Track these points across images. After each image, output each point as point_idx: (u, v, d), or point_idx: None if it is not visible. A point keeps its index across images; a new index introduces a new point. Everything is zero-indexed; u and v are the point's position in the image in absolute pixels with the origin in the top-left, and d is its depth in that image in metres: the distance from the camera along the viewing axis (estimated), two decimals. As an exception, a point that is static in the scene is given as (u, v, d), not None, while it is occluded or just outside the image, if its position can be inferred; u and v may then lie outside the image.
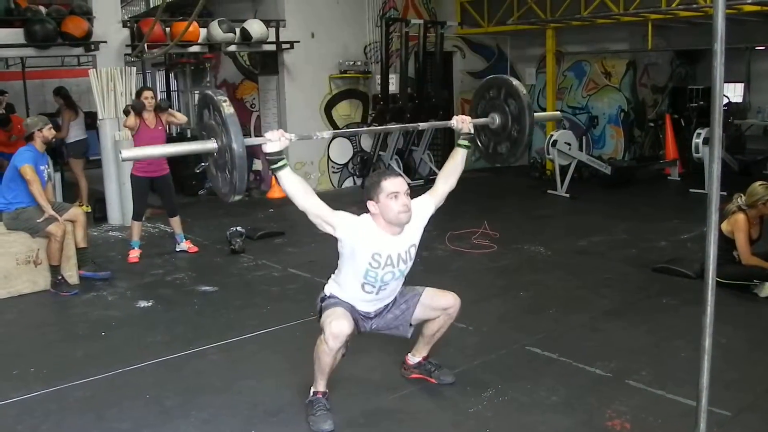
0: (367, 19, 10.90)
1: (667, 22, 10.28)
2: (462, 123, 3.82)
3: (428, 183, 11.03)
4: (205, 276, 6.26)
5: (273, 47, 9.58)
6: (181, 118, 7.00)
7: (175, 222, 7.02)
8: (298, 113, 10.27)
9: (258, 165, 11.00)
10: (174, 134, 9.76)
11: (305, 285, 5.98)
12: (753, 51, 10.50)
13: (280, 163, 3.28)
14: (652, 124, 12.23)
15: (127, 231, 7.91)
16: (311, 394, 3.60)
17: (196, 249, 7.10)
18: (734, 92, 13.18)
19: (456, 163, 3.84)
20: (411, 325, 3.77)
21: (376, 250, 3.42)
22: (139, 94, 6.75)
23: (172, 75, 12.03)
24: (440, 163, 11.69)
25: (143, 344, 4.68)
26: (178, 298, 5.70)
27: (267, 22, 9.31)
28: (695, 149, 9.70)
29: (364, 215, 3.48)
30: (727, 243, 5.55)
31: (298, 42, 9.69)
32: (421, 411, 3.69)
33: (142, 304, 5.52)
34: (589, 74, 12.28)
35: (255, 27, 9.03)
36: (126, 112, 6.71)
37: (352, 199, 10.11)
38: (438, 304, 3.74)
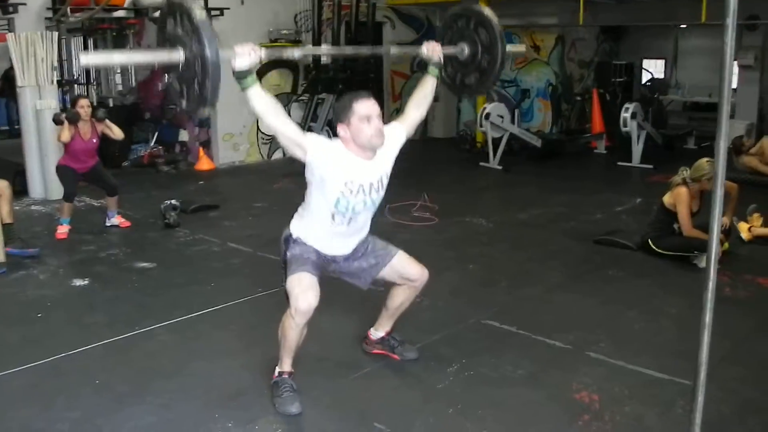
0: (298, -14, 10.62)
1: (595, -2, 10.43)
2: (432, 51, 3.68)
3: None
4: (142, 252, 5.97)
5: (202, 13, 9.15)
6: (117, 133, 6.51)
7: (113, 201, 6.66)
8: (227, 83, 9.85)
9: (184, 136, 10.63)
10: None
11: (248, 260, 5.80)
12: (679, 29, 10.77)
13: (248, 80, 3.02)
14: (579, 98, 12.46)
15: (50, 205, 7.53)
16: (276, 374, 3.47)
17: (128, 224, 6.77)
18: (655, 68, 13.58)
19: (426, 91, 3.71)
20: (372, 278, 3.65)
21: (347, 177, 3.24)
22: (74, 102, 6.31)
23: (90, 41, 11.38)
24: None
25: (84, 326, 4.41)
26: (115, 275, 5.41)
27: (195, -13, 8.89)
28: (623, 123, 9.91)
29: (335, 140, 3.30)
30: (667, 215, 5.68)
31: (228, 9, 9.32)
32: (388, 389, 3.61)
33: (78, 282, 5.21)
34: (519, 47, 12.36)
35: (184, -9, 8.60)
36: (58, 122, 6.27)
37: (282, 171, 9.93)
38: (406, 273, 3.64)
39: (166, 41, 2.99)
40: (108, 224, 6.72)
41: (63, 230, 6.36)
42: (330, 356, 3.93)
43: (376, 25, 11.66)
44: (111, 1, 7.86)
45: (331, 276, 3.61)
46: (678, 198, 5.55)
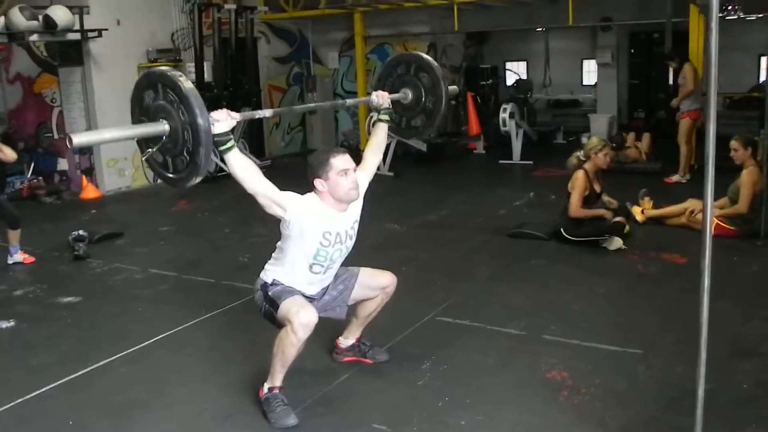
0: (172, 5, 10.39)
1: (465, 5, 10.93)
2: (381, 98, 3.89)
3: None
4: (60, 286, 5.68)
5: (78, 36, 8.81)
6: (9, 154, 6.13)
7: (15, 235, 6.28)
8: (108, 106, 9.53)
9: (63, 164, 10.11)
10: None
11: (177, 284, 5.69)
12: (550, 32, 11.52)
13: (228, 144, 3.07)
14: (453, 102, 12.96)
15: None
16: (266, 390, 3.48)
17: (32, 259, 6.40)
18: (518, 69, 14.41)
19: (381, 138, 3.91)
20: (347, 305, 3.78)
21: (326, 229, 3.39)
22: None
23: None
24: (256, 151, 11.53)
25: (31, 368, 4.17)
26: (41, 313, 5.12)
27: (70, 9, 8.54)
28: (503, 123, 10.49)
29: (309, 194, 3.42)
30: (574, 203, 6.12)
31: (107, 30, 9.00)
32: (372, 391, 3.71)
33: (3, 324, 4.89)
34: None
35: (60, 14, 8.24)
36: None
37: (173, 193, 9.68)
38: (377, 283, 3.80)
39: (143, 114, 2.99)
40: (11, 262, 6.33)
41: (-37, 272, 5.95)
42: (303, 369, 3.93)
43: (253, 40, 11.62)
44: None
45: None
46: (575, 183, 6.00)
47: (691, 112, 8.41)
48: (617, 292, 5.06)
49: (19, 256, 6.36)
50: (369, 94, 11.95)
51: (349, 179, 3.36)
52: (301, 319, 3.25)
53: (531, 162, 10.40)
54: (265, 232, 6.41)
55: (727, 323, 4.23)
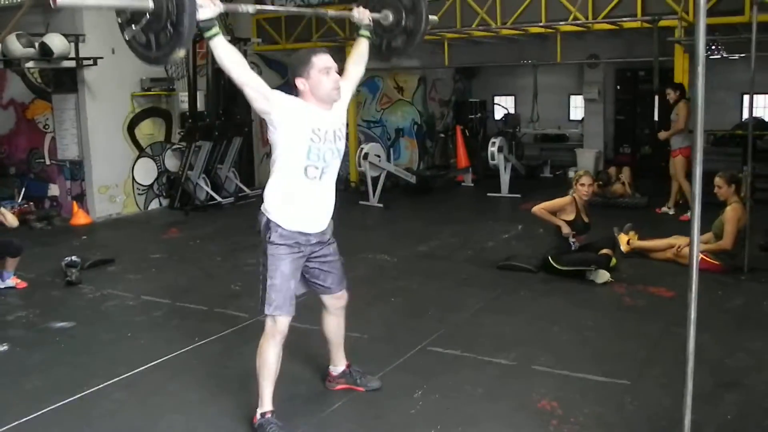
0: (167, 35, 10.52)
1: (455, 41, 11.15)
2: (362, 14, 3.94)
3: (238, 200, 10.95)
4: (53, 312, 5.70)
5: (73, 63, 8.92)
6: (11, 221, 6.25)
7: (14, 261, 6.33)
8: (100, 133, 9.65)
9: (54, 190, 10.15)
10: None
11: (171, 311, 5.72)
12: (538, 67, 11.77)
13: (213, 30, 3.12)
14: (442, 135, 13.17)
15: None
16: (258, 416, 3.54)
17: (24, 284, 6.42)
18: (506, 104, 14.65)
19: (362, 51, 3.96)
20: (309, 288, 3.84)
21: (314, 125, 3.38)
22: None
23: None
24: (246, 181, 11.62)
25: (26, 392, 4.19)
26: (35, 337, 5.15)
27: (65, 37, 8.66)
28: (491, 156, 10.64)
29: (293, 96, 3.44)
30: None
31: (102, 58, 9.11)
32: (365, 419, 3.77)
33: (-4, 348, 4.93)
34: (383, 89, 12.93)
35: (56, 41, 8.36)
36: None
37: (165, 220, 9.76)
38: (335, 288, 3.91)
39: None
40: (2, 286, 6.34)
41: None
42: (298, 395, 4.02)
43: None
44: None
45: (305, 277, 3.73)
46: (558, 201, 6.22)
47: (683, 149, 8.52)
48: (605, 323, 5.16)
49: (11, 281, 6.38)
50: (358, 124, 12.11)
51: (330, 78, 3.37)
52: (277, 326, 3.44)
53: (519, 195, 10.56)
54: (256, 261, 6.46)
55: (712, 355, 4.34)
